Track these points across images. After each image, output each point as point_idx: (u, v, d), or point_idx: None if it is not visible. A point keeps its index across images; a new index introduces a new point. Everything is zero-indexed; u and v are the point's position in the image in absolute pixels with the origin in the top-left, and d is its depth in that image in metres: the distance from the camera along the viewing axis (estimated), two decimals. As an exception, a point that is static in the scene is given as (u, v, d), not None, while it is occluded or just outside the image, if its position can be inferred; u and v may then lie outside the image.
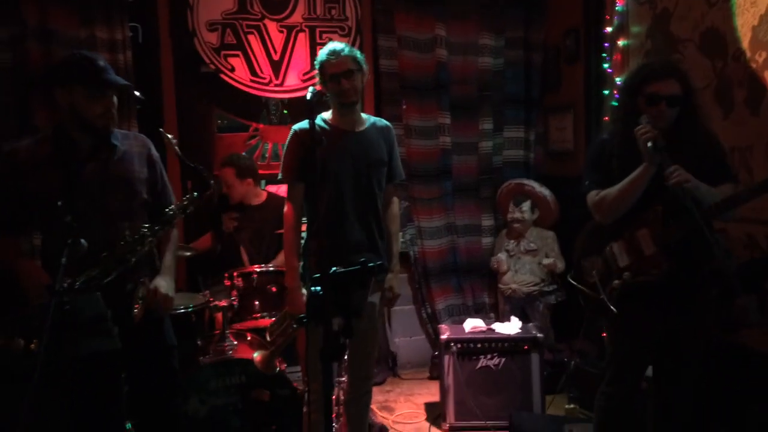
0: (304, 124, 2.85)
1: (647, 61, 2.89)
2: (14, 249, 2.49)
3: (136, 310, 2.43)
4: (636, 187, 2.54)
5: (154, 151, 2.65)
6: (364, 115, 3.00)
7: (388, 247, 3.07)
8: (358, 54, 2.88)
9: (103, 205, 2.44)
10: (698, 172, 2.43)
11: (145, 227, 2.44)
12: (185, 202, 2.53)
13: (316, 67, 2.90)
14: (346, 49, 2.84)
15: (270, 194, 4.39)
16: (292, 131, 2.91)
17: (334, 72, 2.81)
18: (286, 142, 2.91)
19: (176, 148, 2.56)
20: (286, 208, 2.91)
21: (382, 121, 3.07)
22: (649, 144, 2.45)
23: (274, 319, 3.34)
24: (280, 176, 2.94)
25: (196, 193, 2.53)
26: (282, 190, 4.22)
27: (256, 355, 3.01)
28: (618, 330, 2.77)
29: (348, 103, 2.86)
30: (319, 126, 2.85)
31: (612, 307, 2.64)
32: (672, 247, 2.52)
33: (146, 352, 2.54)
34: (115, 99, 2.46)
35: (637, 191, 2.55)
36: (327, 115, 2.94)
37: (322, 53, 2.86)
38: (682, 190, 2.37)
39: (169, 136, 2.57)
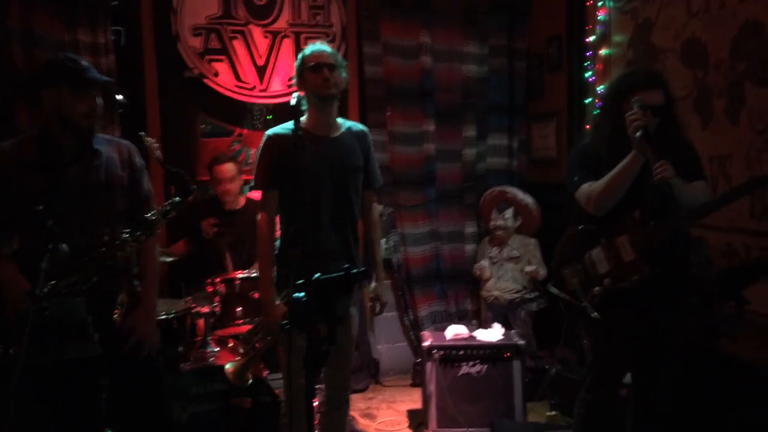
0: (278, 129, 2.81)
1: (633, 69, 2.91)
2: None
3: (116, 316, 2.41)
4: (625, 176, 2.55)
5: (137, 158, 2.64)
6: (339, 120, 2.93)
7: (372, 255, 3.04)
8: (339, 57, 2.87)
9: (84, 210, 2.42)
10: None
11: (126, 232, 2.42)
12: (167, 207, 2.51)
13: (297, 64, 2.83)
14: (330, 49, 2.84)
15: (249, 199, 4.37)
16: (266, 136, 2.82)
17: (317, 62, 2.75)
18: (260, 148, 2.83)
19: (158, 152, 2.55)
20: (259, 217, 2.82)
21: (358, 126, 3.02)
22: (638, 133, 2.47)
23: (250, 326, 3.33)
24: (253, 183, 2.86)
25: (177, 198, 2.51)
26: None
27: (228, 366, 2.98)
28: (598, 335, 2.79)
29: (327, 95, 2.78)
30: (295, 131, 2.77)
31: (593, 314, 2.65)
32: (652, 253, 2.55)
33: (129, 358, 2.52)
34: (99, 99, 2.46)
35: (626, 181, 2.55)
36: (302, 120, 2.80)
37: (305, 50, 2.83)
38: (667, 186, 2.39)
39: (150, 140, 2.56)
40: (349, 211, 2.89)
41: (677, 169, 2.46)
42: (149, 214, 2.50)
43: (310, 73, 2.76)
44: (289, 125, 2.74)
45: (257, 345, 2.92)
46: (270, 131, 2.83)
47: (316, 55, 2.78)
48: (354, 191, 2.90)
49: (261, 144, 2.83)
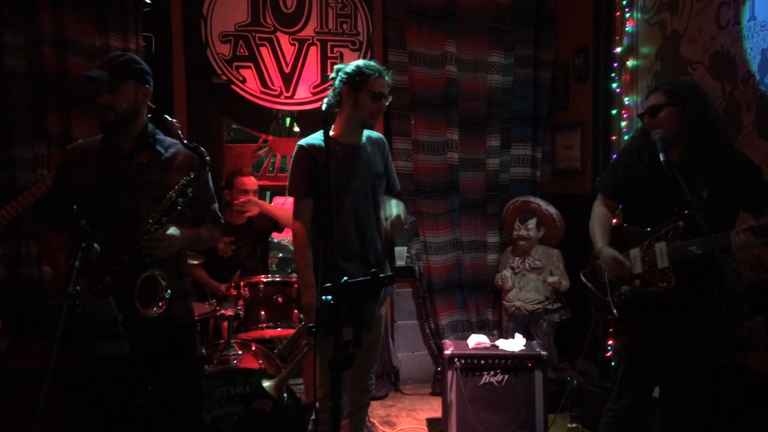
0: (310, 139, 2.87)
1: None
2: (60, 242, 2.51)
3: (161, 306, 2.41)
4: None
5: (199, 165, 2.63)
6: None
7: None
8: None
9: (131, 205, 2.45)
10: (723, 194, 2.50)
11: (151, 217, 2.40)
12: (184, 183, 2.45)
13: (350, 71, 2.81)
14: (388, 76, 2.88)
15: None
16: (299, 146, 2.88)
17: (380, 90, 2.81)
18: (294, 157, 2.89)
19: (179, 131, 2.52)
20: (295, 226, 2.87)
21: (375, 133, 3.07)
22: (657, 135, 2.55)
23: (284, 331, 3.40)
24: (288, 192, 2.90)
25: (192, 174, 2.46)
26: (289, 201, 4.19)
27: (267, 383, 2.99)
28: (623, 339, 2.82)
29: (373, 125, 2.92)
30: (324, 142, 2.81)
31: (614, 311, 2.71)
32: (686, 265, 2.55)
33: (175, 363, 2.59)
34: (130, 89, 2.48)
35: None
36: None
37: (371, 65, 2.83)
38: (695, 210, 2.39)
39: (173, 120, 2.55)
40: (378, 218, 2.93)
41: (742, 199, 2.54)
42: (167, 194, 2.45)
43: (369, 98, 2.81)
44: (320, 135, 2.80)
45: (301, 350, 2.95)
46: (303, 141, 2.88)
47: (384, 83, 2.83)
48: (380, 197, 2.96)
49: (295, 154, 2.88)
